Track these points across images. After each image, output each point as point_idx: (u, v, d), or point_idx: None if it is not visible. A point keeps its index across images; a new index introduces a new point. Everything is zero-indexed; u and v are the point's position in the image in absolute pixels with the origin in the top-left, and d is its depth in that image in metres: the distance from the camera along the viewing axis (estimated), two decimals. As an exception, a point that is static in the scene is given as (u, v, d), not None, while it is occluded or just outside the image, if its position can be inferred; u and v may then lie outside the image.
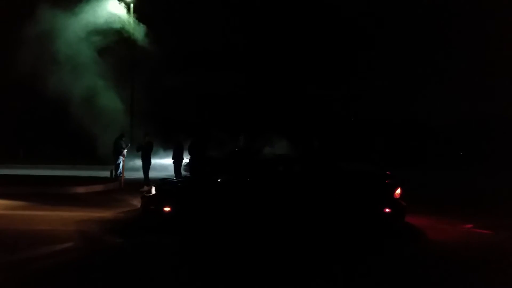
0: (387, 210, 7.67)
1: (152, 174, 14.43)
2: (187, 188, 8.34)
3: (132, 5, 21.61)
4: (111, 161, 16.04)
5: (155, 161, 15.08)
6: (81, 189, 12.51)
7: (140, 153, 14.41)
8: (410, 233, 7.92)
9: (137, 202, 9.62)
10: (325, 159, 9.31)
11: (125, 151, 15.46)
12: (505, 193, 13.27)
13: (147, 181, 13.60)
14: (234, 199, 7.86)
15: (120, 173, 14.99)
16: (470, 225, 8.53)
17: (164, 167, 17.53)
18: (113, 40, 20.37)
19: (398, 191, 7.83)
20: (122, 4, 21.24)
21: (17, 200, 10.43)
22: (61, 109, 21.07)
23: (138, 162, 14.99)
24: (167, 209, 7.68)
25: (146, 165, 14.30)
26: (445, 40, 27.62)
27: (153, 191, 8.17)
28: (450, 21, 27.21)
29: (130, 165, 17.08)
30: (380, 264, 5.97)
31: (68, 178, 14.73)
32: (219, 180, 8.21)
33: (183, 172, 14.75)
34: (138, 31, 21.28)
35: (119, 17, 20.96)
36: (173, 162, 14.14)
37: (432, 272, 5.63)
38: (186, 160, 15.11)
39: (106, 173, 15.60)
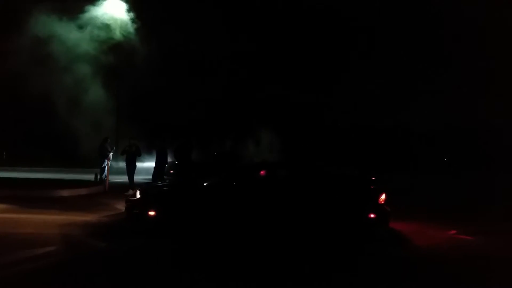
0: (372, 215, 7.71)
1: (137, 177, 14.37)
2: (171, 192, 8.29)
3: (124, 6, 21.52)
4: (95, 164, 15.96)
5: (139, 164, 15.00)
6: (65, 192, 12.37)
7: (124, 156, 14.36)
8: (394, 238, 7.98)
9: (121, 206, 9.57)
10: (310, 164, 9.36)
11: (110, 154, 15.41)
12: (490, 198, 13.53)
13: (132, 185, 13.57)
14: (219, 203, 7.83)
15: (105, 176, 14.91)
16: (453, 231, 8.61)
17: (148, 171, 17.46)
18: (99, 41, 20.20)
19: (383, 196, 7.88)
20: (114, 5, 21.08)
21: (1, 203, 10.24)
22: (44, 111, 20.88)
23: (124, 165, 14.90)
24: (151, 213, 7.63)
25: (131, 168, 14.26)
26: (435, 49, 28.09)
27: (138, 195, 8.12)
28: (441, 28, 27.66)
29: (115, 169, 17.01)
30: (363, 268, 6.03)
31: (52, 181, 14.57)
32: (204, 184, 8.19)
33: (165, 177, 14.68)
34: (124, 30, 21.19)
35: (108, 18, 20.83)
36: (155, 167, 13.96)
37: (414, 275, 5.74)
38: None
39: (90, 176, 15.50)
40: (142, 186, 9.71)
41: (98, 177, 15.33)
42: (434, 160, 27.98)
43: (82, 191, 12.96)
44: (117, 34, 20.82)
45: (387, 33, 28.29)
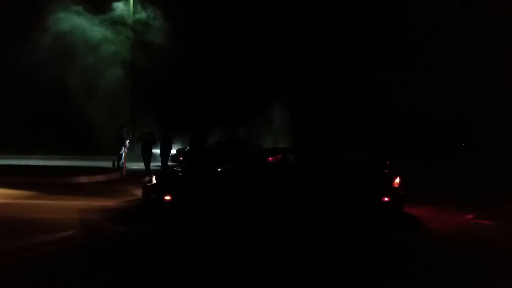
0: (386, 199, 7.68)
1: (153, 164, 14.53)
2: (187, 177, 8.39)
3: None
4: (113, 151, 16.15)
5: (155, 151, 15.17)
6: (83, 179, 12.56)
7: (140, 144, 14.49)
8: (409, 222, 7.93)
9: (139, 192, 9.64)
10: (324, 150, 9.31)
11: (127, 141, 15.58)
12: (503, 184, 13.31)
13: (149, 171, 13.70)
14: (234, 188, 7.89)
15: (122, 163, 15.11)
16: (471, 216, 8.51)
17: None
18: (114, 27, 20.29)
19: (397, 180, 7.85)
20: None
21: (22, 189, 10.47)
22: (60, 100, 21.11)
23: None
24: (167, 197, 7.73)
25: (147, 156, 14.41)
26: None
27: (154, 181, 8.21)
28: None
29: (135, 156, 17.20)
30: (375, 251, 6.00)
31: (70, 169, 14.79)
32: (217, 169, 8.23)
33: (170, 163, 15.02)
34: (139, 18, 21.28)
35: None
36: (160, 154, 14.26)
37: (426, 259, 5.66)
38: (173, 151, 15.37)
39: (108, 164, 15.70)
40: (158, 172, 9.80)
41: (116, 164, 15.53)
42: (452, 145, 27.60)
43: (100, 178, 13.14)
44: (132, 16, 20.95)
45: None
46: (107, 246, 6.06)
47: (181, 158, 17.63)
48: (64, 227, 6.87)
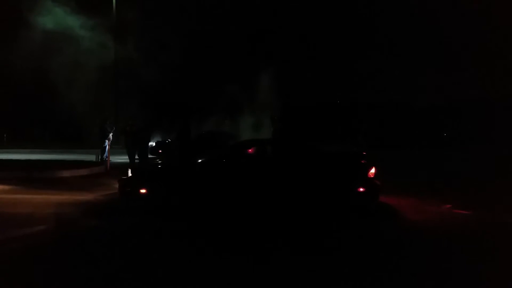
0: (361, 189, 7.75)
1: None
2: (162, 170, 8.34)
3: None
4: (96, 145, 16.04)
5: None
6: (66, 173, 12.45)
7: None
8: (385, 212, 8.00)
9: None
10: (299, 141, 9.34)
11: (110, 134, 15.46)
12: (491, 173, 13.49)
13: (133, 164, 13.65)
14: (209, 180, 7.86)
15: (106, 156, 15.00)
16: (448, 205, 8.55)
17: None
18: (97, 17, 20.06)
19: (373, 170, 7.90)
20: None
21: (4, 184, 10.40)
22: (44, 93, 20.83)
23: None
24: (143, 191, 7.69)
25: (131, 149, 14.35)
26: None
27: (130, 174, 8.15)
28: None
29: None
30: (349, 241, 6.06)
31: (53, 162, 14.64)
32: (194, 162, 8.22)
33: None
34: None
35: None
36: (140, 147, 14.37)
37: (400, 249, 5.73)
38: (152, 143, 15.40)
39: (92, 157, 15.58)
40: (137, 164, 9.74)
41: (99, 157, 15.42)
42: (436, 135, 27.95)
43: (83, 172, 13.02)
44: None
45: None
46: (75, 240, 6.02)
47: (160, 151, 17.57)
48: (38, 222, 6.84)
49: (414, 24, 28.39)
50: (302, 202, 7.78)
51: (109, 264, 5.02)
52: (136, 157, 14.42)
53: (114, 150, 16.18)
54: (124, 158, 15.66)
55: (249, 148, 8.79)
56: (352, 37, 28.43)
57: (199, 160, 8.23)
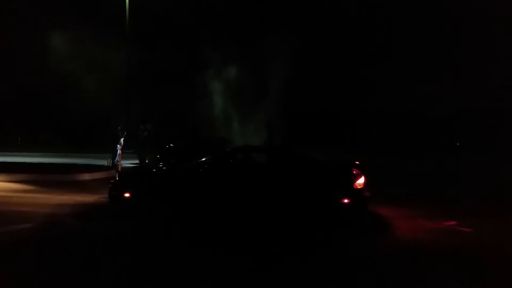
0: (345, 200, 7.40)
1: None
2: (146, 175, 8.38)
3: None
4: (107, 149, 16.32)
5: None
6: (76, 177, 12.64)
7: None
8: (372, 225, 7.62)
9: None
10: (286, 149, 9.09)
11: (121, 139, 15.78)
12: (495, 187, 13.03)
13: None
14: (188, 187, 7.78)
15: (117, 161, 15.26)
16: (454, 222, 7.90)
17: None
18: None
19: (360, 181, 7.47)
20: None
21: (18, 183, 11.07)
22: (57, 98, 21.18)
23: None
24: (127, 195, 7.71)
25: (142, 153, 14.62)
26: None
27: (117, 178, 8.24)
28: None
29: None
30: (325, 256, 5.70)
31: (65, 166, 14.92)
32: (180, 168, 8.28)
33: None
34: None
35: None
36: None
37: (371, 266, 5.31)
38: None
39: (103, 162, 15.87)
40: (124, 169, 9.77)
41: (111, 161, 15.69)
42: (446, 145, 27.76)
43: (94, 176, 13.21)
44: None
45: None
46: (55, 238, 6.19)
47: (158, 156, 17.59)
48: (28, 219, 7.09)
49: (422, 31, 28.39)
50: (284, 212, 7.53)
51: (69, 259, 5.21)
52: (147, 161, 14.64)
53: (125, 155, 16.38)
54: (136, 163, 15.90)
55: (233, 156, 8.56)
56: (355, 46, 28.45)
57: (185, 167, 8.24)
